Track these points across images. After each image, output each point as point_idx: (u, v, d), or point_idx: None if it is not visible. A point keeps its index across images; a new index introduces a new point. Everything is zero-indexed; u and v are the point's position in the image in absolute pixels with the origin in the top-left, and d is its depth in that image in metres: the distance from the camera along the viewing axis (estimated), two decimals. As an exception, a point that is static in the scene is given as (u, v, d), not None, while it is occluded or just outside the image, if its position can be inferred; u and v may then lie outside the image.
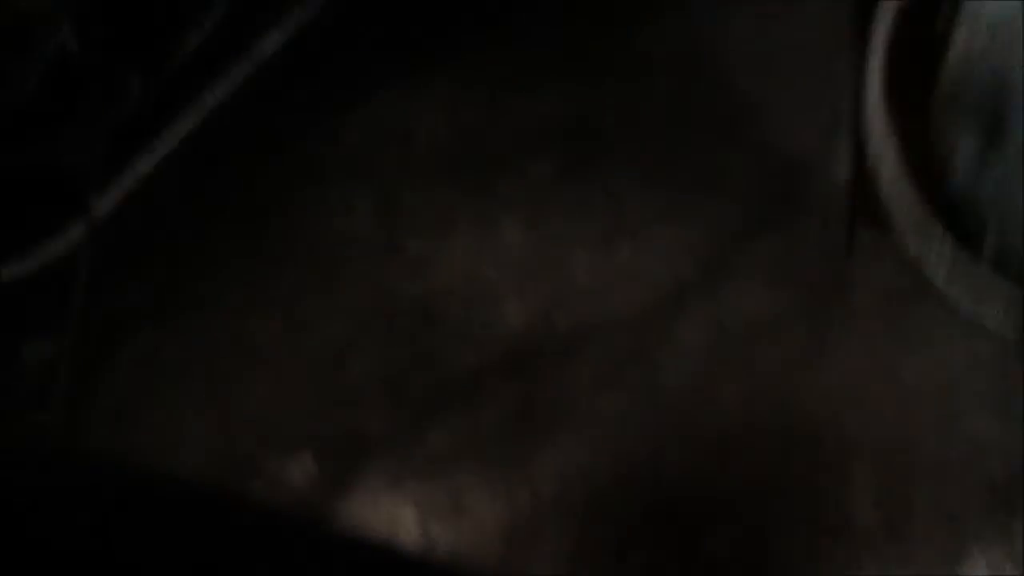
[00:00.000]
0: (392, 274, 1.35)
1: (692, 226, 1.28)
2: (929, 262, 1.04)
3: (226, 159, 1.59)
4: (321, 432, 1.17)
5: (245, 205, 1.51)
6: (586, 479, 0.96)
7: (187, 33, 1.63)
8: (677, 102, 1.47)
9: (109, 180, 1.54)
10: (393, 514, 1.03)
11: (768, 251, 1.15)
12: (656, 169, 1.40)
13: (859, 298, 1.05)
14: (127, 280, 1.48)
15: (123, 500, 0.39)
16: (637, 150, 1.44)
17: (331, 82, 1.60)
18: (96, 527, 0.36)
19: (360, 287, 1.35)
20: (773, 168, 1.34)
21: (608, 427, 1.01)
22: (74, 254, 1.47)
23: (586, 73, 1.54)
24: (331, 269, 1.39)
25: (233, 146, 1.60)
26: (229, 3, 1.62)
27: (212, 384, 1.33)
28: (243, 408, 1.28)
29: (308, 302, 1.36)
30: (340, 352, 1.27)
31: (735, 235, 1.24)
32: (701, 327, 1.07)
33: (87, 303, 1.43)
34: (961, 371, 1.01)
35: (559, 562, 0.92)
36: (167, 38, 1.67)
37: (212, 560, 0.38)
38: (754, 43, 1.50)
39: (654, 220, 1.32)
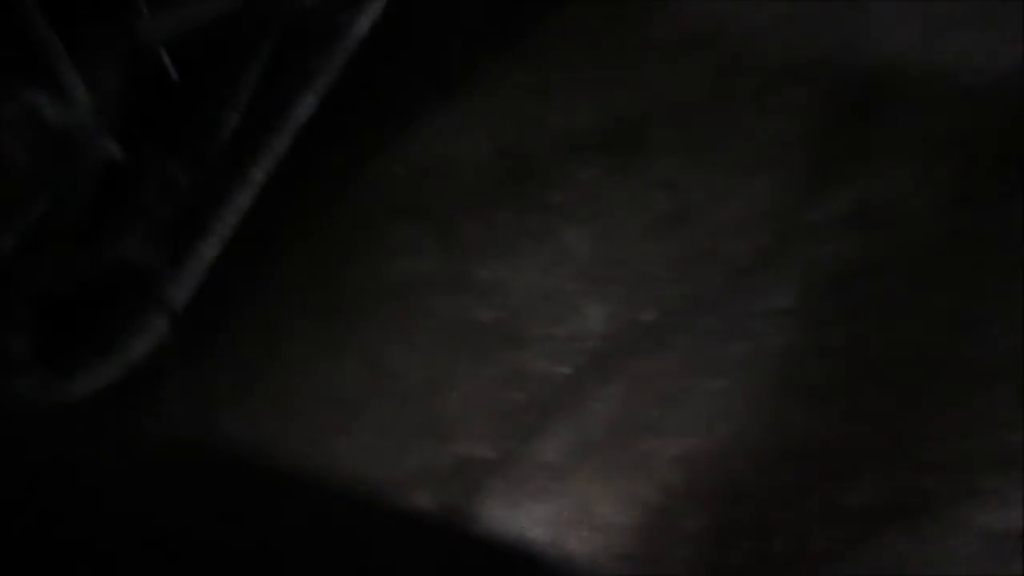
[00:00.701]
0: (468, 304, 1.36)
1: (754, 195, 1.27)
2: None
3: (283, 226, 1.62)
4: (434, 469, 1.17)
5: (310, 265, 1.54)
6: (712, 463, 0.94)
7: (223, 116, 1.68)
8: (708, 81, 1.47)
9: (179, 271, 1.58)
10: (522, 537, 1.02)
11: (841, 202, 1.13)
12: (704, 148, 1.39)
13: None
14: (212, 364, 1.51)
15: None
16: (678, 135, 1.43)
17: (367, 128, 1.62)
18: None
19: (438, 323, 1.36)
20: (810, 130, 1.33)
21: (721, 407, 0.99)
22: (160, 348, 1.50)
23: (612, 69, 1.54)
24: (406, 310, 1.41)
25: (286, 212, 1.63)
26: (261, 80, 1.66)
27: (313, 448, 1.34)
28: (348, 465, 1.29)
29: (391, 348, 1.37)
30: (433, 389, 1.28)
31: (800, 197, 1.22)
32: (793, 288, 1.05)
33: (180, 394, 1.46)
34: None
35: (702, 550, 0.90)
36: (205, 126, 1.71)
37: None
38: (767, 8, 1.49)
39: (713, 199, 1.31)
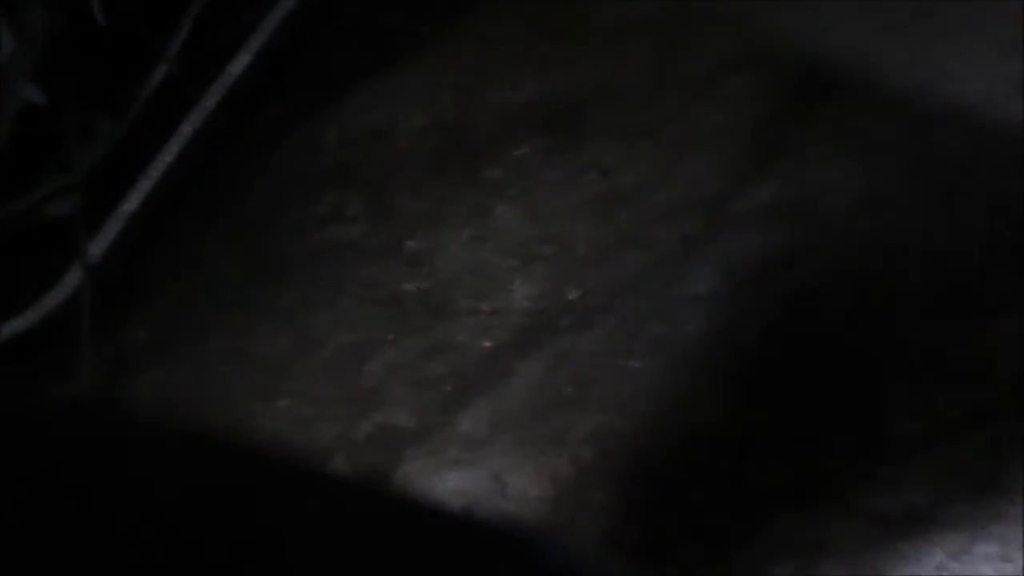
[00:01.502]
0: (395, 274, 1.36)
1: (684, 183, 1.29)
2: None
3: (209, 185, 1.58)
4: (353, 436, 1.17)
5: (236, 227, 1.51)
6: (625, 442, 0.97)
7: (151, 68, 1.63)
8: (652, 66, 1.48)
9: (98, 223, 1.54)
10: (436, 504, 1.03)
11: (765, 194, 1.16)
12: (640, 133, 1.41)
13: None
14: (129, 319, 1.47)
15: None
16: (618, 119, 1.45)
17: (302, 90, 1.60)
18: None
19: (363, 291, 1.36)
20: (749, 121, 1.35)
21: (636, 388, 1.02)
22: (74, 300, 1.46)
23: (556, 49, 1.54)
24: (332, 278, 1.40)
25: (214, 171, 1.59)
26: (192, 32, 1.62)
27: (228, 410, 1.33)
28: (267, 430, 1.28)
29: (314, 314, 1.36)
30: (356, 357, 1.28)
31: (729, 186, 1.25)
32: (714, 276, 1.08)
33: (93, 347, 1.43)
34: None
35: (610, 525, 0.93)
36: (131, 76, 1.66)
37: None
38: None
39: (645, 184, 1.33)
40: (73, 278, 1.49)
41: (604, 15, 1.54)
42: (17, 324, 1.48)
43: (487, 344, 1.20)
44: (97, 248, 1.51)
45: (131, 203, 1.54)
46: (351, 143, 1.53)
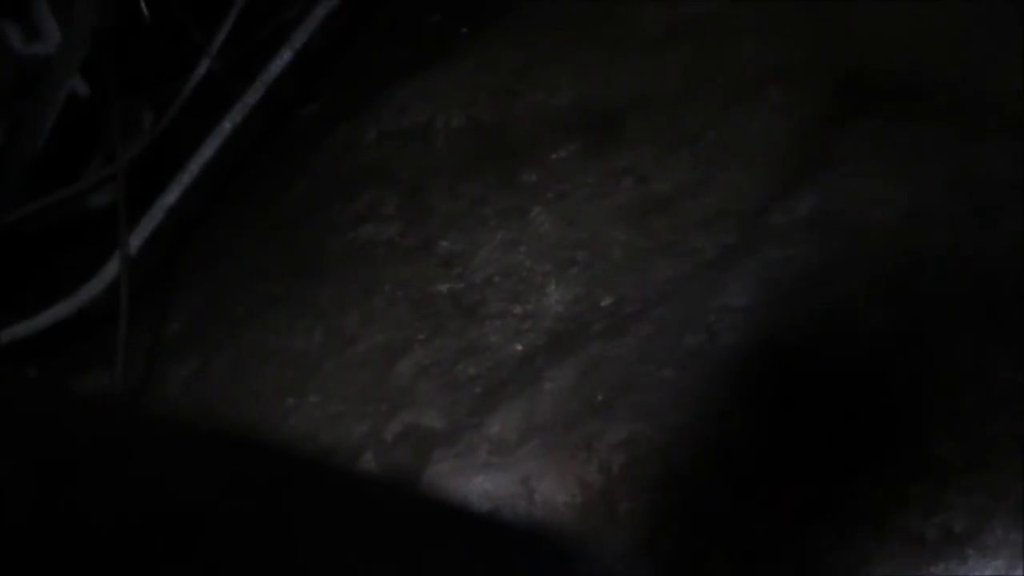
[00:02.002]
0: (428, 274, 1.36)
1: (722, 192, 1.28)
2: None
3: (248, 180, 1.60)
4: (382, 434, 1.17)
5: (273, 223, 1.52)
6: (655, 452, 0.95)
7: (194, 63, 1.65)
8: (691, 73, 1.47)
9: (137, 215, 1.56)
10: (464, 506, 1.03)
11: (805, 206, 1.15)
12: (678, 141, 1.40)
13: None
14: (166, 311, 1.49)
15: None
16: (657, 125, 1.44)
17: (342, 88, 1.60)
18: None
19: (397, 290, 1.36)
20: (788, 130, 1.34)
21: (668, 397, 1.01)
22: (113, 291, 1.48)
23: (596, 56, 1.54)
24: (366, 276, 1.40)
25: (254, 167, 1.61)
26: (234, 29, 1.64)
27: (262, 406, 1.33)
28: (298, 427, 1.28)
29: (348, 312, 1.37)
30: (387, 356, 1.28)
31: (767, 197, 1.23)
32: (750, 287, 1.06)
33: (130, 338, 1.44)
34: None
35: (638, 535, 0.92)
36: (174, 71, 1.68)
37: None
38: (755, 7, 1.49)
39: (681, 192, 1.31)
40: (112, 269, 1.51)
41: (643, 25, 1.53)
42: (56, 312, 1.50)
43: (519, 347, 1.19)
44: (136, 240, 1.53)
45: (170, 196, 1.56)
46: (389, 142, 1.54)
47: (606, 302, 1.20)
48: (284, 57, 1.60)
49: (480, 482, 1.04)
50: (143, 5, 1.62)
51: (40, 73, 1.63)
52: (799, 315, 1.00)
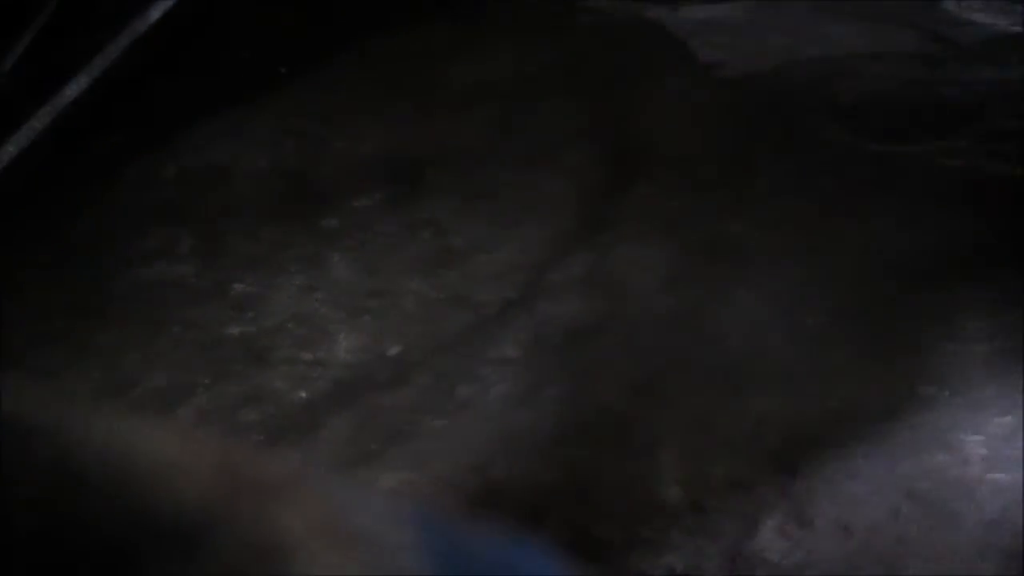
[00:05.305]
0: (218, 317, 1.34)
1: (511, 248, 1.34)
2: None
3: (36, 210, 1.52)
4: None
5: (58, 256, 1.45)
6: (421, 497, 0.98)
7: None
8: (496, 131, 1.54)
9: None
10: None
11: (581, 266, 1.22)
12: (477, 196, 1.45)
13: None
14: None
15: None
16: (458, 179, 1.49)
17: (145, 119, 1.56)
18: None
19: (185, 331, 1.33)
20: (578, 192, 1.42)
21: (438, 447, 1.04)
22: None
23: (404, 108, 1.58)
24: (153, 317, 1.36)
25: (42, 195, 1.53)
26: (31, 47, 1.57)
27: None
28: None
29: (130, 354, 1.32)
30: (169, 400, 1.25)
31: (548, 254, 1.31)
32: (522, 341, 1.12)
33: None
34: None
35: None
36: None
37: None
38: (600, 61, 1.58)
39: (474, 246, 1.37)
40: None
41: (453, 79, 1.59)
42: None
43: (303, 395, 1.20)
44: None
45: (-57, 223, 1.46)
46: (189, 180, 1.51)
47: (393, 351, 1.23)
48: (80, 83, 1.54)
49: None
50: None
51: None
52: (563, 368, 1.06)
